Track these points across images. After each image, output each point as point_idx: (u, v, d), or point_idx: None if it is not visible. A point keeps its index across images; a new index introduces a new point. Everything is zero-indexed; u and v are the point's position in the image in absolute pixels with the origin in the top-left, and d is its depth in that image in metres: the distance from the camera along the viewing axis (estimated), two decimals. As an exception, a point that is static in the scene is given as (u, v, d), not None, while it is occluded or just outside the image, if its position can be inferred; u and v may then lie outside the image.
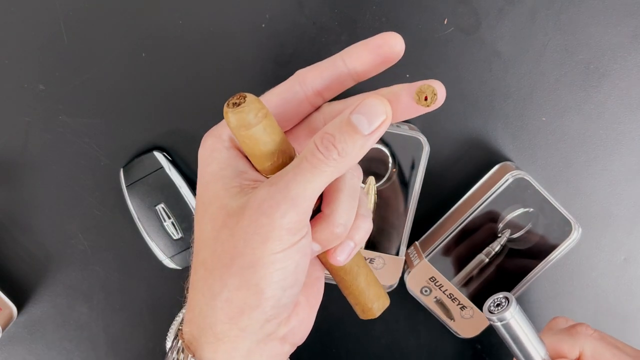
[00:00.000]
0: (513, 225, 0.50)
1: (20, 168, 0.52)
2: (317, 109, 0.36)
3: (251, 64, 0.52)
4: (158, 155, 0.52)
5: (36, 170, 0.53)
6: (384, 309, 0.40)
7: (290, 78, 0.35)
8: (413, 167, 0.49)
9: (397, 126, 0.49)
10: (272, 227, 0.30)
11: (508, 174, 0.49)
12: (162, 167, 0.52)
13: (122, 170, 0.52)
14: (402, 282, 0.52)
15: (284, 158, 0.33)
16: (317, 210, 0.34)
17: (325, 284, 0.54)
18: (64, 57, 0.51)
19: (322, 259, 0.37)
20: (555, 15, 0.50)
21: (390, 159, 0.49)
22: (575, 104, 0.52)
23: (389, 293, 0.52)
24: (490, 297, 0.41)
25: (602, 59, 0.51)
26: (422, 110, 0.33)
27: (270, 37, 0.51)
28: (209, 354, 0.33)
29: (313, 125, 0.36)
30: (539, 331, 0.43)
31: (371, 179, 0.49)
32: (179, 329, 0.36)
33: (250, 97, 0.31)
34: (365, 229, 0.36)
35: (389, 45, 0.33)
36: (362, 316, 0.40)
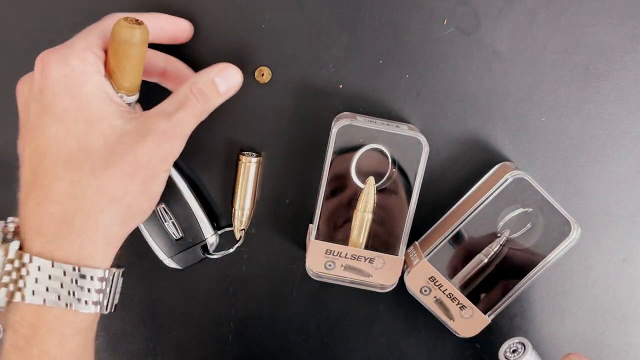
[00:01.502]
0: (512, 225, 0.50)
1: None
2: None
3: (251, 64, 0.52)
4: (158, 155, 0.52)
5: (36, 170, 0.52)
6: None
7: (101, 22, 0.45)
8: (413, 167, 0.49)
9: (397, 126, 0.49)
10: (170, 152, 0.42)
11: (507, 174, 0.49)
12: (162, 167, 0.52)
13: (122, 170, 0.52)
14: (402, 282, 0.52)
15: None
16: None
17: (326, 283, 0.54)
18: (64, 57, 0.51)
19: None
20: (555, 15, 0.50)
21: (390, 159, 0.49)
22: (575, 105, 0.52)
23: (389, 293, 0.52)
24: (506, 342, 0.42)
25: (601, 59, 0.51)
26: None
27: (270, 37, 0.51)
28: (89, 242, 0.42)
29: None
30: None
31: (371, 179, 0.49)
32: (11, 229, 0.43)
33: (142, 20, 0.41)
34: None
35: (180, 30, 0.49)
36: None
